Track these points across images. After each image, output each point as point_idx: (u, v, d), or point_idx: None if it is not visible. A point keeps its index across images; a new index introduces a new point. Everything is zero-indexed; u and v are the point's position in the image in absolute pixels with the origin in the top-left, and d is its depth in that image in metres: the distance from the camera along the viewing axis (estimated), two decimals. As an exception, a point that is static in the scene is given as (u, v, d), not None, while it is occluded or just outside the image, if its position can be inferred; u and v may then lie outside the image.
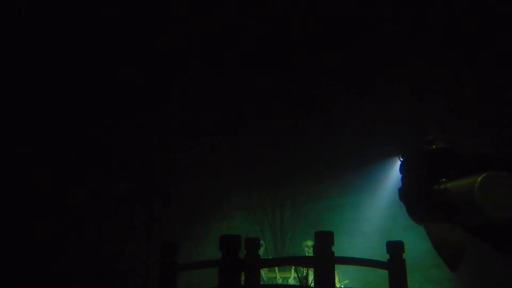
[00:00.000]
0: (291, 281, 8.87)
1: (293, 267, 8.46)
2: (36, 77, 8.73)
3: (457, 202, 3.14)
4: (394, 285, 5.18)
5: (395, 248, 5.29)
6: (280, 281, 8.99)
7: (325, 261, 4.72)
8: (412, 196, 3.89)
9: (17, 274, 7.92)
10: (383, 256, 5.40)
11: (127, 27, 9.02)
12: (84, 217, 8.89)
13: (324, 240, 4.75)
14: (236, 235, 4.77)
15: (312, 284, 5.21)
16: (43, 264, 8.21)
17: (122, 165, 9.37)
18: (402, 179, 4.24)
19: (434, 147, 4.17)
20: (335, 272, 4.90)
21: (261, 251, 6.24)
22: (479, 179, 2.94)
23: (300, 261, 6.54)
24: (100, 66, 9.16)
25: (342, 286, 8.56)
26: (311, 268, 5.76)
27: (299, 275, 7.02)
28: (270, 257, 9.19)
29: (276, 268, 9.03)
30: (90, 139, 9.14)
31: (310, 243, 8.77)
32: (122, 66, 9.26)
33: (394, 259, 5.25)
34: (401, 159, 4.60)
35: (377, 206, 9.91)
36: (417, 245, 8.42)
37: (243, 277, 5.08)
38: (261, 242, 6.53)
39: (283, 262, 7.42)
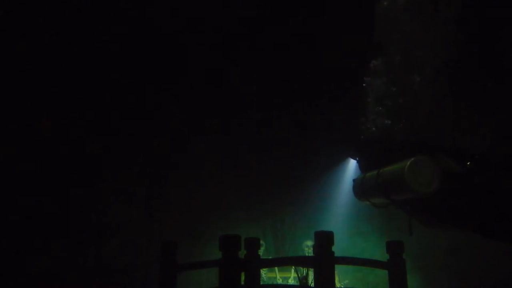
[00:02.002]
0: (291, 281, 8.87)
1: (293, 267, 8.46)
2: (30, 78, 8.77)
3: (391, 182, 3.74)
4: (394, 285, 5.18)
5: (395, 248, 5.29)
6: (280, 281, 8.99)
7: (325, 261, 4.72)
8: (359, 181, 4.69)
9: (17, 274, 7.92)
10: (383, 256, 5.40)
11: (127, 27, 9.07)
12: (84, 217, 8.89)
13: (324, 240, 4.76)
14: (236, 235, 4.77)
15: (312, 284, 5.21)
16: (43, 263, 8.21)
17: (122, 165, 9.37)
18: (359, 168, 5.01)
19: (373, 144, 4.90)
20: (335, 272, 4.89)
21: (261, 251, 6.24)
22: (408, 163, 3.54)
23: (300, 261, 6.54)
24: (99, 66, 9.19)
25: (342, 286, 8.56)
26: (311, 268, 5.76)
27: (299, 275, 7.01)
28: (270, 257, 9.19)
29: (276, 268, 9.03)
30: (90, 140, 9.14)
31: (310, 243, 8.77)
32: (120, 67, 9.29)
33: (394, 259, 5.25)
34: (353, 158, 5.48)
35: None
36: (417, 244, 8.44)
37: (243, 277, 5.07)
38: (261, 242, 6.52)
39: (283, 262, 7.41)
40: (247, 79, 9.96)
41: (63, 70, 8.98)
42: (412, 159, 3.44)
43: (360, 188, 4.31)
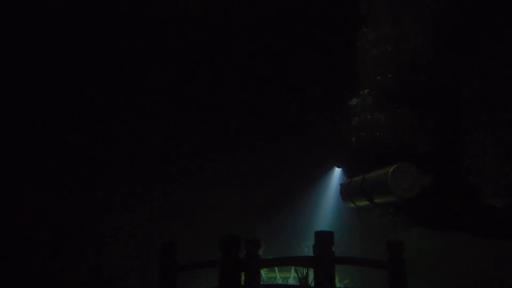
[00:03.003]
0: (291, 281, 8.87)
1: (293, 267, 8.46)
2: (34, 77, 8.76)
3: (375, 186, 4.02)
4: (394, 285, 5.18)
5: (395, 248, 5.29)
6: (280, 281, 8.99)
7: (325, 261, 4.72)
8: (345, 186, 4.88)
9: (18, 275, 7.92)
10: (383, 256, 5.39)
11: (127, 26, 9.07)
12: (85, 218, 8.89)
13: (324, 240, 4.76)
14: (236, 235, 4.77)
15: (312, 284, 5.21)
16: (43, 264, 8.21)
17: (122, 165, 9.37)
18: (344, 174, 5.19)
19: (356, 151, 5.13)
20: (335, 272, 4.89)
21: (261, 251, 6.24)
22: (391, 169, 3.80)
23: (300, 261, 6.53)
24: (99, 67, 9.20)
25: (342, 286, 8.55)
26: (311, 268, 5.76)
27: (299, 275, 7.02)
28: (270, 257, 9.19)
29: (276, 268, 9.02)
30: (90, 141, 9.15)
31: (310, 243, 8.76)
32: (122, 68, 9.30)
33: (394, 259, 5.25)
34: (337, 166, 5.70)
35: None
36: (417, 244, 8.43)
37: (243, 277, 5.07)
38: (261, 242, 6.53)
39: (283, 262, 7.39)
40: (246, 80, 9.99)
41: (64, 70, 8.98)
42: (395, 165, 3.67)
43: (346, 192, 4.55)
